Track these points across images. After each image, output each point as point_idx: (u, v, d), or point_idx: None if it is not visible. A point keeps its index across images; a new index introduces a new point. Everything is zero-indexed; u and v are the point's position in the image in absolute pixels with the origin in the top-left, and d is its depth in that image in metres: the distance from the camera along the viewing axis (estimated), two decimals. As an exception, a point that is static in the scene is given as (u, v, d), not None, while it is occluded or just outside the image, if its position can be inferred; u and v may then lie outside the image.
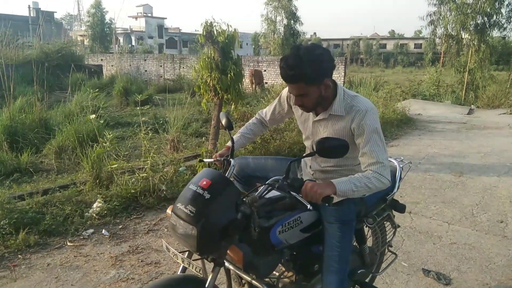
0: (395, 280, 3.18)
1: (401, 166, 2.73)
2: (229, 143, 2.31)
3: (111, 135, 5.16)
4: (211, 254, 1.77)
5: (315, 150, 1.78)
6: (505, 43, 24.04)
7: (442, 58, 19.93)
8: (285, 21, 31.05)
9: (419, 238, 3.95)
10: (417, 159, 6.89)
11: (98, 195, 4.49)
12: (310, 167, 2.22)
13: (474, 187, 5.53)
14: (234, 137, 2.32)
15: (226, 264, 1.97)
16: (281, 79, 2.22)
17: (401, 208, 2.69)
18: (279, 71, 1.94)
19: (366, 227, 2.50)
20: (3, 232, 3.63)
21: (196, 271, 1.76)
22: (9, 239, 3.58)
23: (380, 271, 2.79)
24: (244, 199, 1.80)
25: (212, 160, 2.27)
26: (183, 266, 1.92)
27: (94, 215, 4.16)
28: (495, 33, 17.54)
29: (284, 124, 6.93)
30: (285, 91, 2.29)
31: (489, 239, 3.96)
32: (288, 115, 2.41)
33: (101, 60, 25.13)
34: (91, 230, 3.95)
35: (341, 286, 1.99)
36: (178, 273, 1.98)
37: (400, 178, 2.65)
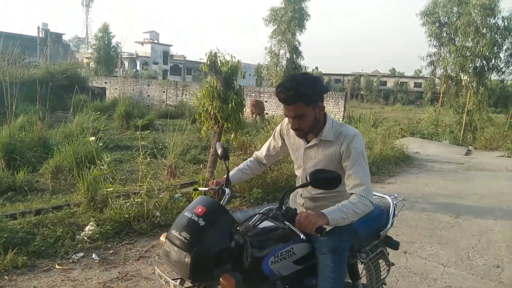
0: (388, 322, 3.10)
1: (395, 203, 2.75)
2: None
3: (109, 158, 5.16)
4: (203, 282, 1.78)
5: (308, 181, 1.82)
6: (503, 86, 24.46)
7: (441, 98, 20.22)
8: (287, 55, 31.65)
9: (413, 279, 3.89)
10: (414, 198, 6.87)
11: (91, 218, 4.44)
12: (301, 195, 2.26)
13: (471, 229, 5.48)
14: (231, 172, 2.35)
15: None
16: (282, 111, 2.29)
17: (395, 245, 2.71)
18: (277, 97, 2.03)
19: (360, 263, 2.50)
20: (-9, 252, 3.56)
21: None
22: (-3, 259, 3.51)
23: None
24: (238, 228, 1.82)
25: (207, 189, 2.29)
26: None
27: (86, 238, 4.10)
28: (494, 77, 17.91)
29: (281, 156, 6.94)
30: (278, 127, 2.39)
31: (485, 284, 3.90)
32: (283, 151, 2.45)
33: (105, 83, 25.44)
34: (81, 254, 3.88)
35: None
36: None
37: (394, 215, 2.67)
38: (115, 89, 23.79)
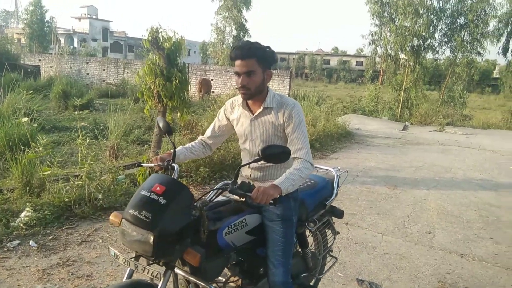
0: (331, 290, 3.26)
1: (338, 174, 2.92)
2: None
3: (45, 139, 4.86)
4: (165, 258, 1.80)
5: (261, 156, 1.88)
6: (436, 65, 25.89)
7: (381, 76, 21.08)
8: (234, 32, 31.33)
9: (354, 248, 4.10)
10: (355, 172, 7.18)
11: (27, 204, 4.19)
12: (249, 166, 2.31)
13: (406, 199, 5.85)
14: (177, 149, 2.30)
15: (175, 269, 1.99)
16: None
17: (339, 214, 2.90)
18: (232, 56, 2.13)
19: (308, 232, 2.62)
20: None
21: (153, 276, 1.76)
22: None
23: (321, 274, 2.93)
24: (195, 204, 1.86)
25: (153, 164, 2.23)
26: (129, 271, 1.91)
27: (22, 225, 3.88)
28: (429, 56, 18.90)
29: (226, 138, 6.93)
30: (222, 108, 2.43)
31: (418, 249, 4.20)
32: (228, 130, 2.47)
33: (39, 60, 23.80)
34: (17, 242, 3.67)
35: (286, 277, 2.14)
36: (124, 279, 1.92)
37: (338, 186, 2.86)
38: (51, 67, 22.35)
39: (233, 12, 30.33)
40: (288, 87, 17.40)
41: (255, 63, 2.10)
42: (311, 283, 2.76)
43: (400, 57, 18.18)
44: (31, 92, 8.14)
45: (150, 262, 1.83)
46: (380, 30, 18.49)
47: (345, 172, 3.10)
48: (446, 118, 15.99)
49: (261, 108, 2.21)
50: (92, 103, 12.48)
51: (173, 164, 2.15)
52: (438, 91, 21.40)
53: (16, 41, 31.38)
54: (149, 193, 1.76)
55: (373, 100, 18.61)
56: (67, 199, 4.33)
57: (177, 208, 1.77)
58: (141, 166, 2.45)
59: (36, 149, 4.72)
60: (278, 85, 17.47)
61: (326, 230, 2.87)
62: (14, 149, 5.18)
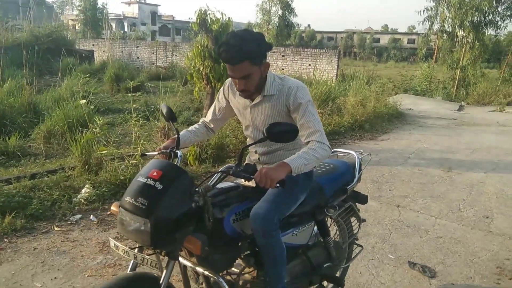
0: (381, 272, 3.21)
1: (360, 158, 2.73)
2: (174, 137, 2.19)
3: (101, 121, 5.10)
4: (165, 247, 1.71)
5: (266, 135, 1.75)
6: (497, 41, 24.17)
7: (435, 54, 20.01)
8: (280, 12, 30.93)
9: (406, 231, 3.99)
10: (407, 154, 6.95)
11: (87, 181, 4.45)
12: (255, 151, 2.22)
13: (462, 182, 5.59)
14: (181, 133, 2.20)
15: (182, 260, 1.92)
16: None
17: (363, 199, 2.71)
18: (220, 58, 1.92)
19: (329, 220, 2.52)
20: (-11, 216, 3.58)
21: (152, 266, 1.68)
22: (-5, 222, 3.54)
23: (347, 263, 2.81)
24: (197, 189, 1.75)
25: (156, 153, 2.15)
26: (133, 263, 1.84)
27: (82, 200, 4.13)
28: (489, 32, 17.65)
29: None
30: (221, 89, 2.28)
31: (475, 234, 4.02)
32: (229, 113, 2.33)
33: (93, 45, 24.77)
34: (78, 216, 3.92)
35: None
36: (128, 271, 1.86)
37: (360, 170, 2.66)
38: (103, 51, 23.20)
39: (279, -8, 29.88)
40: (336, 66, 17.00)
41: (249, 65, 1.87)
42: (336, 274, 2.62)
43: (458, 34, 17.11)
44: (87, 76, 8.54)
45: (151, 253, 1.76)
46: (437, 5, 17.45)
47: (368, 155, 2.88)
48: (507, 97, 14.94)
49: (261, 96, 2.05)
50: (143, 86, 12.87)
51: (176, 151, 2.07)
52: (498, 69, 20.00)
53: (71, 28, 32.78)
54: (146, 179, 1.67)
55: (426, 79, 17.74)
56: (122, 177, 4.52)
57: (175, 193, 1.66)
58: (145, 155, 2.32)
59: (93, 130, 4.96)
60: (325, 65, 17.11)
61: (350, 218, 2.70)
62: (73, 129, 5.49)
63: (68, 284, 2.87)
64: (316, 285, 2.44)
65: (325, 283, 2.55)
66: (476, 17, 16.12)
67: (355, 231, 2.76)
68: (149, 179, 1.67)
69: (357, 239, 2.84)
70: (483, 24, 16.39)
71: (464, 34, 16.74)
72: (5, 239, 3.41)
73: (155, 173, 1.67)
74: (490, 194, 5.18)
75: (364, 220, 2.84)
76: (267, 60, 2.02)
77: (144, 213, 1.60)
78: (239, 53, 1.83)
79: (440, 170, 6.09)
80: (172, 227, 1.63)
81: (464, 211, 4.58)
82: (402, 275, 3.20)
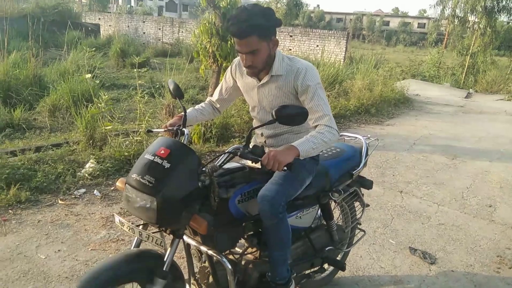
0: (382, 257, 3.23)
1: (367, 142, 2.70)
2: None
3: (107, 96, 5.08)
4: (171, 225, 1.71)
5: (275, 118, 1.73)
6: (509, 28, 23.66)
7: (446, 40, 19.67)
8: (289, -9, 30.37)
9: (408, 217, 4.00)
10: (412, 140, 6.91)
11: (91, 156, 4.46)
12: (262, 134, 2.19)
13: (466, 170, 5.57)
14: (188, 111, 2.17)
15: (186, 238, 1.92)
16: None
17: (368, 184, 2.69)
18: (229, 31, 1.87)
19: (333, 203, 2.51)
20: (-6, 187, 3.61)
21: (157, 244, 1.69)
22: (0, 193, 3.57)
23: (349, 247, 2.82)
24: (204, 169, 1.75)
25: (163, 130, 2.13)
26: (137, 240, 1.85)
27: (87, 175, 4.14)
28: (502, 18, 17.29)
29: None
30: (229, 68, 2.24)
31: (477, 222, 4.02)
32: (236, 93, 2.30)
33: (99, 19, 24.51)
34: (83, 190, 3.94)
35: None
36: (132, 247, 1.87)
37: (367, 155, 2.64)
38: (110, 25, 22.96)
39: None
40: (344, 48, 16.77)
41: (257, 40, 1.83)
42: (338, 257, 2.64)
43: (470, 19, 16.76)
44: (92, 50, 8.47)
45: (156, 230, 1.76)
46: (450, -11, 17.04)
47: (375, 140, 2.86)
48: (517, 86, 14.76)
49: (268, 76, 2.00)
50: (148, 62, 12.79)
51: (183, 129, 2.04)
52: (509, 57, 19.64)
53: (77, 0, 32.44)
54: (153, 157, 1.65)
55: (435, 65, 17.48)
56: (127, 153, 4.53)
57: (183, 172, 1.65)
58: (151, 132, 2.28)
59: (98, 104, 4.95)
60: (334, 47, 16.88)
61: (354, 202, 2.70)
62: (78, 104, 5.48)
63: (72, 257, 2.91)
64: (317, 268, 2.46)
65: (326, 265, 2.57)
66: (489, 2, 15.76)
67: (358, 216, 2.76)
68: (156, 157, 1.65)
69: (360, 224, 2.85)
70: (496, 10, 16.04)
71: (476, 20, 16.41)
72: (10, 211, 3.44)
73: (162, 151, 1.66)
74: (494, 183, 5.16)
75: (368, 205, 2.84)
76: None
77: (151, 191, 1.59)
78: (247, 26, 1.79)
79: (444, 157, 6.06)
80: (178, 206, 1.62)
81: (467, 199, 4.57)
82: (403, 260, 3.21)
